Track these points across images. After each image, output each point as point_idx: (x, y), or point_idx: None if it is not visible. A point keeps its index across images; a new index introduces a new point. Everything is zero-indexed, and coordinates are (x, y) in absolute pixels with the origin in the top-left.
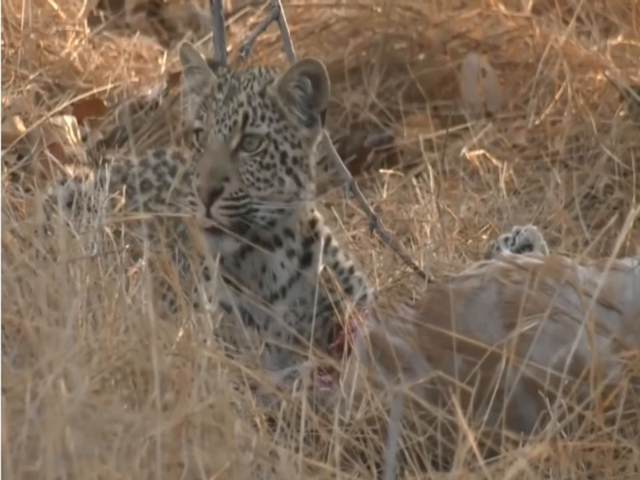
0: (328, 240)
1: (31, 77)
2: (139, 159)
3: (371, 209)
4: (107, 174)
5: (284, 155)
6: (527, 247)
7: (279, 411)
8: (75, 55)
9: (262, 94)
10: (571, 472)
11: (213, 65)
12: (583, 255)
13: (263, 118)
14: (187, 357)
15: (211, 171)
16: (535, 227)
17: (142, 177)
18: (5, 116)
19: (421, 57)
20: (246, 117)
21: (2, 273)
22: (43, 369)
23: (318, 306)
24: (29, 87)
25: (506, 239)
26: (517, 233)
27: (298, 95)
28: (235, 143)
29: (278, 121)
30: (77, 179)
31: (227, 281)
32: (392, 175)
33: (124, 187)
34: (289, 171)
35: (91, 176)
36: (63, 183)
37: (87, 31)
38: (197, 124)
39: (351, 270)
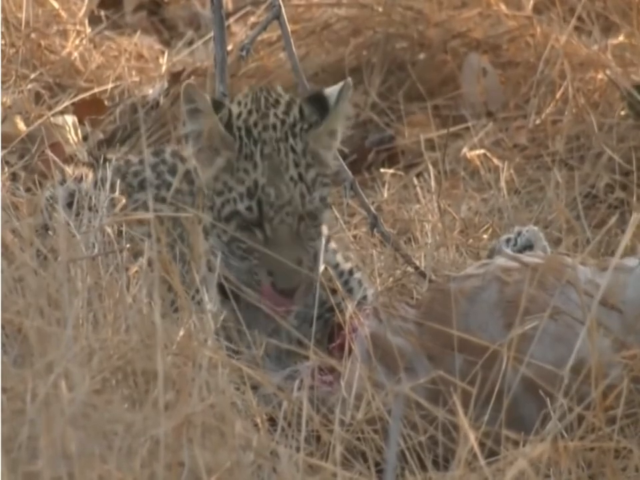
0: (327, 241)
1: (32, 76)
2: (138, 157)
3: (372, 208)
4: (108, 173)
5: (323, 200)
6: (528, 247)
7: (279, 410)
8: (75, 54)
9: (304, 152)
10: (571, 472)
11: (217, 105)
12: (584, 254)
13: (314, 182)
14: (187, 357)
15: (290, 271)
16: (536, 228)
17: (141, 176)
18: (5, 115)
19: (422, 56)
20: (303, 196)
21: (2, 272)
22: (44, 368)
23: (319, 307)
24: (29, 86)
25: (507, 240)
26: (519, 233)
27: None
28: (301, 226)
29: (324, 176)
30: (78, 179)
31: (227, 279)
32: (393, 175)
33: (124, 186)
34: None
35: (90, 175)
36: (63, 182)
37: (88, 30)
38: (244, 212)
39: (351, 272)
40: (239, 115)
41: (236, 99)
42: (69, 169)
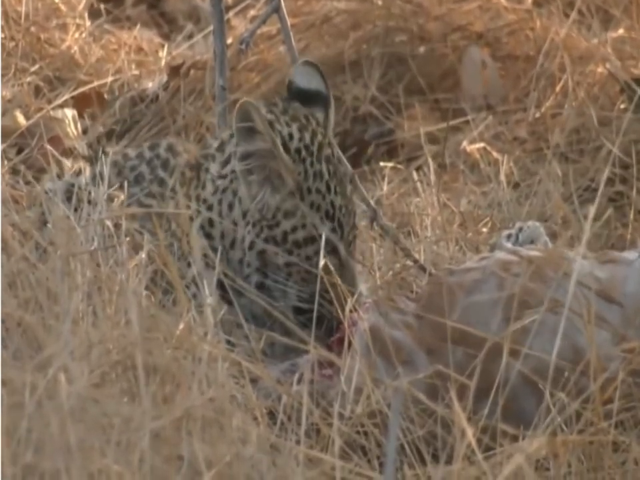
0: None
1: (32, 69)
2: (135, 152)
3: (372, 202)
4: (106, 167)
5: None
6: (529, 243)
7: (279, 404)
8: (75, 47)
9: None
10: (570, 465)
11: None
12: (581, 248)
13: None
14: (187, 351)
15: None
16: (537, 223)
17: (137, 171)
18: (5, 109)
19: (422, 49)
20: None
21: (2, 266)
22: (43, 362)
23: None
24: (29, 79)
25: (509, 235)
26: (520, 229)
27: None
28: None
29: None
30: (77, 172)
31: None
32: (392, 168)
33: (122, 180)
34: None
35: (89, 169)
36: (62, 176)
37: (88, 23)
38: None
39: None
40: (290, 136)
41: (269, 116)
42: (68, 163)
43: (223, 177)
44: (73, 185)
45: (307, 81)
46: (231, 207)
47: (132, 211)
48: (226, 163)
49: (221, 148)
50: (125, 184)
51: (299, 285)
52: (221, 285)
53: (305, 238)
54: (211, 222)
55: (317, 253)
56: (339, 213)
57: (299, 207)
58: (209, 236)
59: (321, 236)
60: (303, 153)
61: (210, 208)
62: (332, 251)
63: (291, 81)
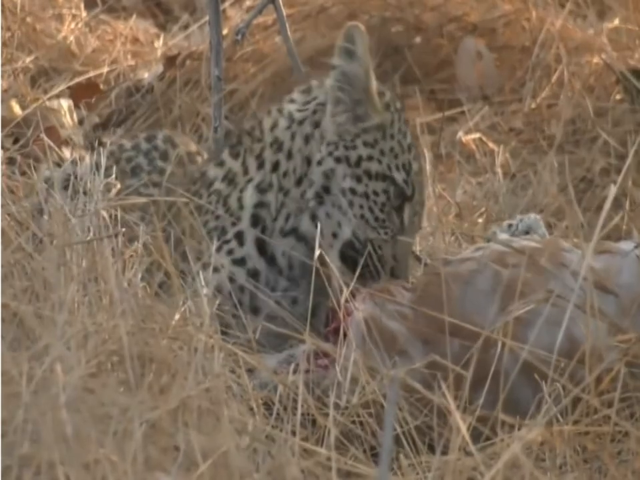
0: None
1: (28, 60)
2: (131, 143)
3: None
4: (103, 157)
5: None
6: (526, 234)
7: (275, 394)
8: (71, 38)
9: None
10: (566, 456)
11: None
12: (574, 236)
13: None
14: (183, 341)
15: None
16: (538, 216)
17: (134, 162)
18: (1, 99)
19: (418, 40)
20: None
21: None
22: (39, 352)
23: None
24: (22, 65)
25: (509, 225)
26: (521, 221)
27: None
28: None
29: None
30: (73, 162)
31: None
32: None
33: (118, 171)
34: None
35: (87, 159)
36: (58, 166)
37: (84, 14)
38: (401, 183)
39: None
40: (383, 93)
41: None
42: (65, 152)
43: (303, 110)
44: (70, 175)
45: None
46: (307, 138)
47: (129, 201)
48: (310, 101)
49: (306, 90)
50: (122, 175)
51: (357, 220)
52: (258, 243)
53: (378, 172)
54: (275, 165)
55: (385, 193)
56: (413, 174)
57: (379, 143)
58: (264, 189)
59: (394, 179)
60: (392, 107)
61: (280, 147)
62: (398, 208)
63: None
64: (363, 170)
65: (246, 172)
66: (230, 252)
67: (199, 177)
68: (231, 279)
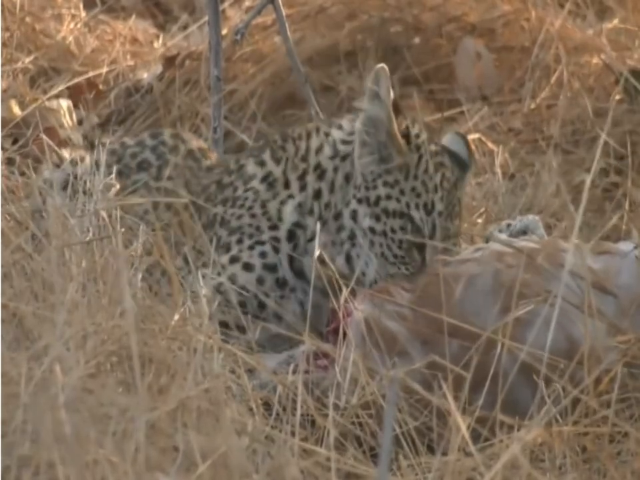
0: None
1: (27, 60)
2: (135, 140)
3: None
4: (102, 157)
5: None
6: (523, 234)
7: (274, 395)
8: (70, 38)
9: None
10: (566, 456)
11: (397, 108)
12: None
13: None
14: (182, 341)
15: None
16: (537, 217)
17: (139, 157)
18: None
19: (417, 40)
20: (456, 235)
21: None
22: (39, 352)
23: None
24: (22, 65)
25: (508, 225)
26: (520, 221)
27: None
28: None
29: None
30: (73, 162)
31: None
32: None
33: (119, 170)
34: None
35: (87, 159)
36: (58, 166)
37: (83, 14)
38: (419, 222)
39: None
40: (418, 136)
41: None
42: (65, 152)
43: (347, 142)
44: (69, 175)
45: (455, 147)
46: (347, 177)
47: (129, 202)
48: (354, 132)
49: (354, 119)
50: (126, 171)
51: (378, 260)
52: (290, 257)
53: (395, 210)
54: (318, 193)
55: (403, 230)
56: (436, 215)
57: (400, 183)
58: (304, 213)
59: (412, 218)
60: (423, 152)
61: (322, 175)
62: (419, 245)
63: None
64: (381, 209)
65: (287, 185)
66: (263, 255)
67: (236, 169)
68: (259, 281)
